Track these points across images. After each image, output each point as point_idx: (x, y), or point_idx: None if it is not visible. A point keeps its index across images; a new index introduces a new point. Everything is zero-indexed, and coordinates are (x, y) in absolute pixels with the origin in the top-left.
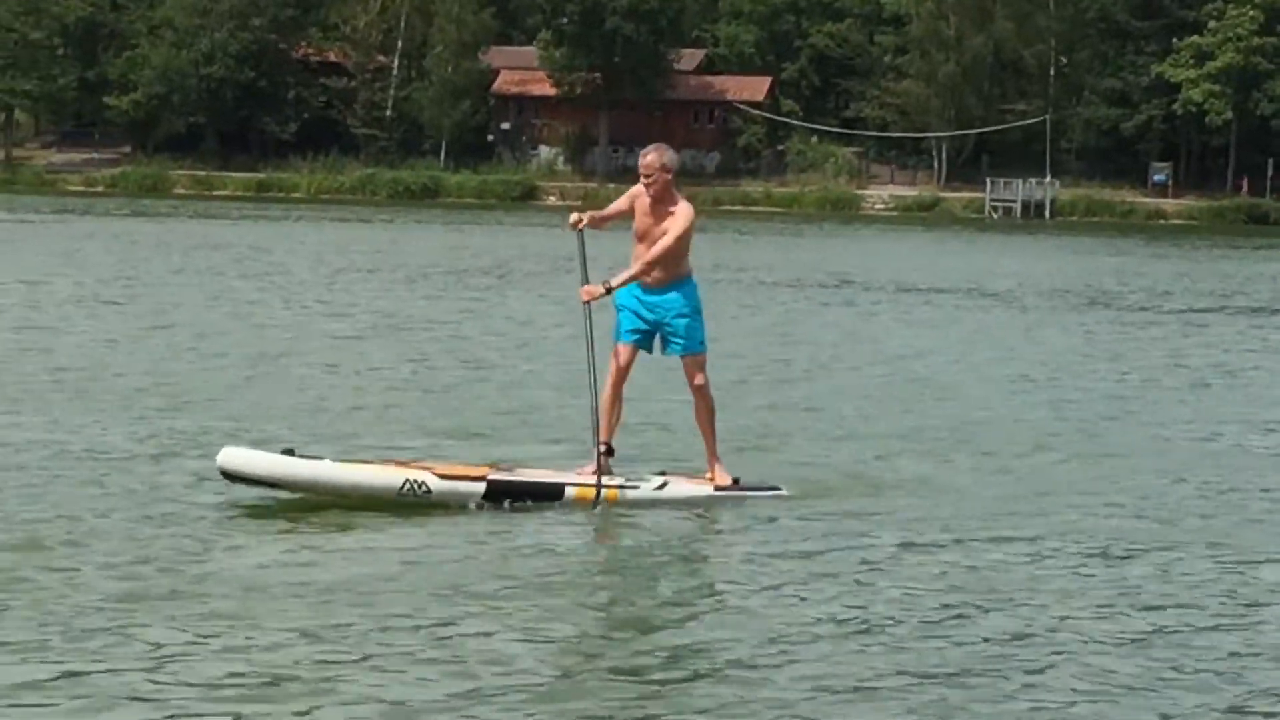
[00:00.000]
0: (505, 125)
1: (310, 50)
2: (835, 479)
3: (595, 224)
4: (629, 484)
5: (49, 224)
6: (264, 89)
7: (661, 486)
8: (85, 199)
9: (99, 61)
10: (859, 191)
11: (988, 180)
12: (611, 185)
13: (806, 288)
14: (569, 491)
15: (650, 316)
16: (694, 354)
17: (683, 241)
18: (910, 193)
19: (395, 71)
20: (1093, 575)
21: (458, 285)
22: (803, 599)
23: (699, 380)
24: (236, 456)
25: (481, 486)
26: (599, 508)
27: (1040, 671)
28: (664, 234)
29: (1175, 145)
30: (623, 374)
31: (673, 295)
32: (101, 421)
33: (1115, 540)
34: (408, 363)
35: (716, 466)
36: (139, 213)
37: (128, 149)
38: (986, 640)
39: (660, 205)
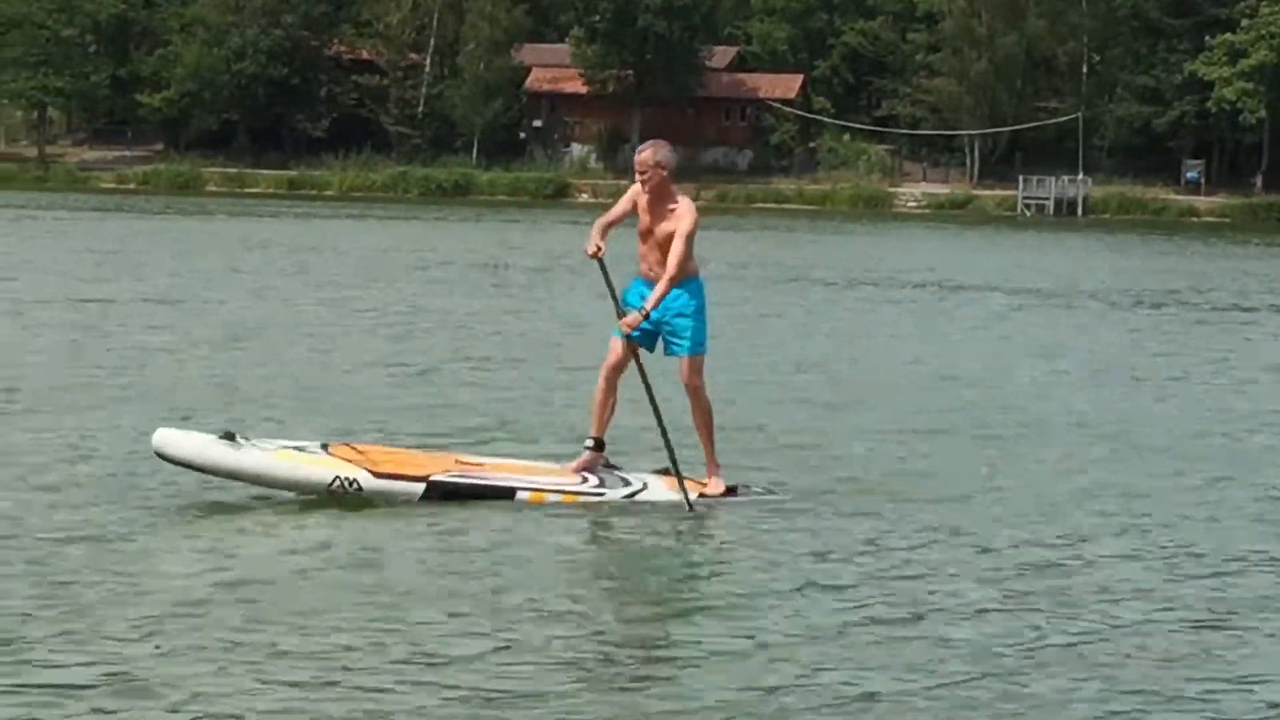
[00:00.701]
0: (537, 123)
1: (342, 47)
2: (881, 477)
3: (603, 233)
4: (593, 491)
5: (94, 220)
6: (296, 86)
7: (634, 494)
8: (118, 196)
9: (131, 59)
10: (891, 189)
11: (1020, 178)
12: None
13: (854, 286)
14: (520, 495)
15: (653, 314)
16: (692, 355)
17: (692, 241)
18: (943, 190)
19: (427, 69)
20: (1145, 576)
21: (505, 281)
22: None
23: (694, 382)
24: (169, 438)
25: (420, 487)
26: (691, 508)
27: (1100, 669)
28: (667, 233)
29: (1208, 143)
30: (616, 369)
31: (675, 293)
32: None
33: (1169, 541)
34: (459, 360)
35: (714, 475)
36: (185, 211)
37: (160, 146)
38: (1041, 642)
39: (659, 203)
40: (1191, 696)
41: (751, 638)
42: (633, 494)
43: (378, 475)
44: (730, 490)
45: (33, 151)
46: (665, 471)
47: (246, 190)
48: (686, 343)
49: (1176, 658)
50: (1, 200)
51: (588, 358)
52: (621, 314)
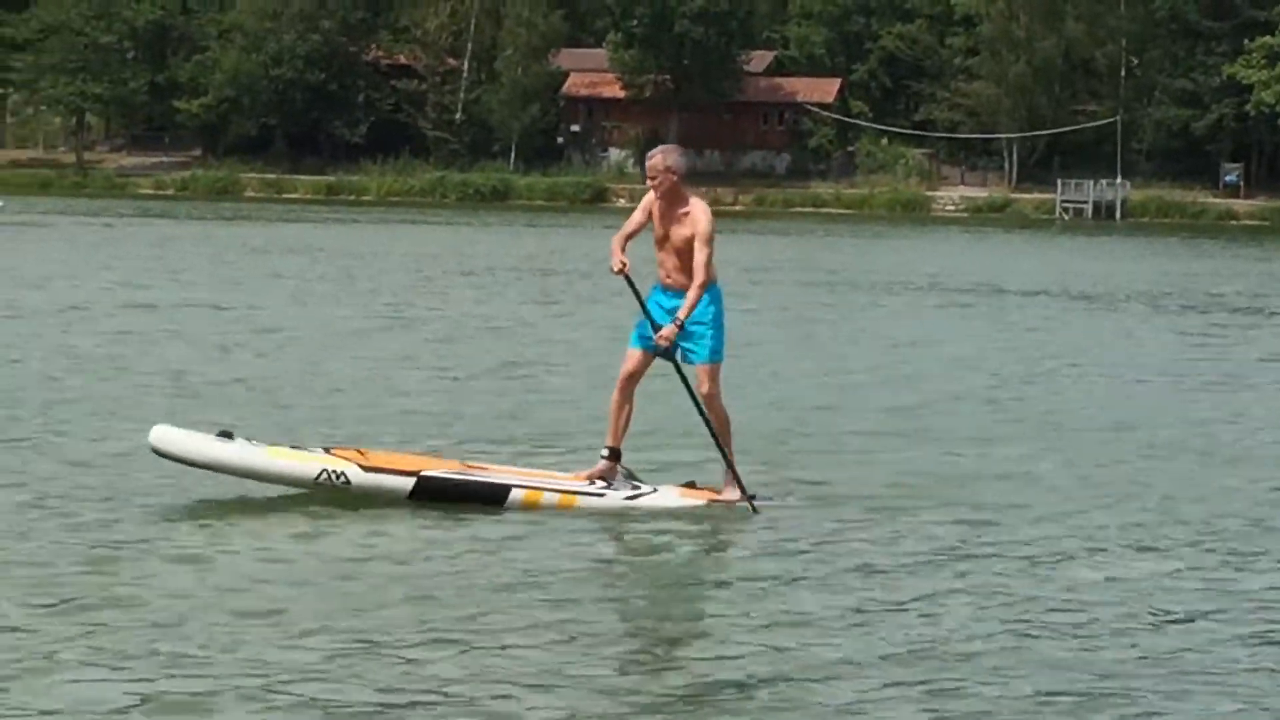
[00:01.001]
0: (575, 127)
1: (380, 53)
2: (926, 483)
3: (623, 247)
4: (593, 493)
5: (134, 226)
6: (334, 92)
7: (635, 498)
8: (158, 202)
9: (169, 65)
10: (929, 193)
11: (1059, 181)
12: None
13: (898, 290)
14: (514, 495)
15: (665, 321)
16: (708, 363)
17: (713, 244)
18: (981, 194)
19: (465, 74)
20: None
21: (548, 287)
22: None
23: (710, 390)
24: (165, 435)
25: (409, 483)
26: (751, 510)
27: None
28: (682, 238)
29: (1247, 146)
30: (632, 379)
31: (700, 304)
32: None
33: (1247, 548)
34: (504, 367)
35: (730, 483)
36: (224, 216)
37: (198, 152)
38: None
39: (672, 207)
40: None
41: (779, 652)
42: (634, 498)
43: (366, 469)
44: (746, 498)
45: (71, 158)
46: (690, 485)
47: (284, 196)
48: (703, 351)
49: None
50: (41, 206)
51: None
52: (656, 328)
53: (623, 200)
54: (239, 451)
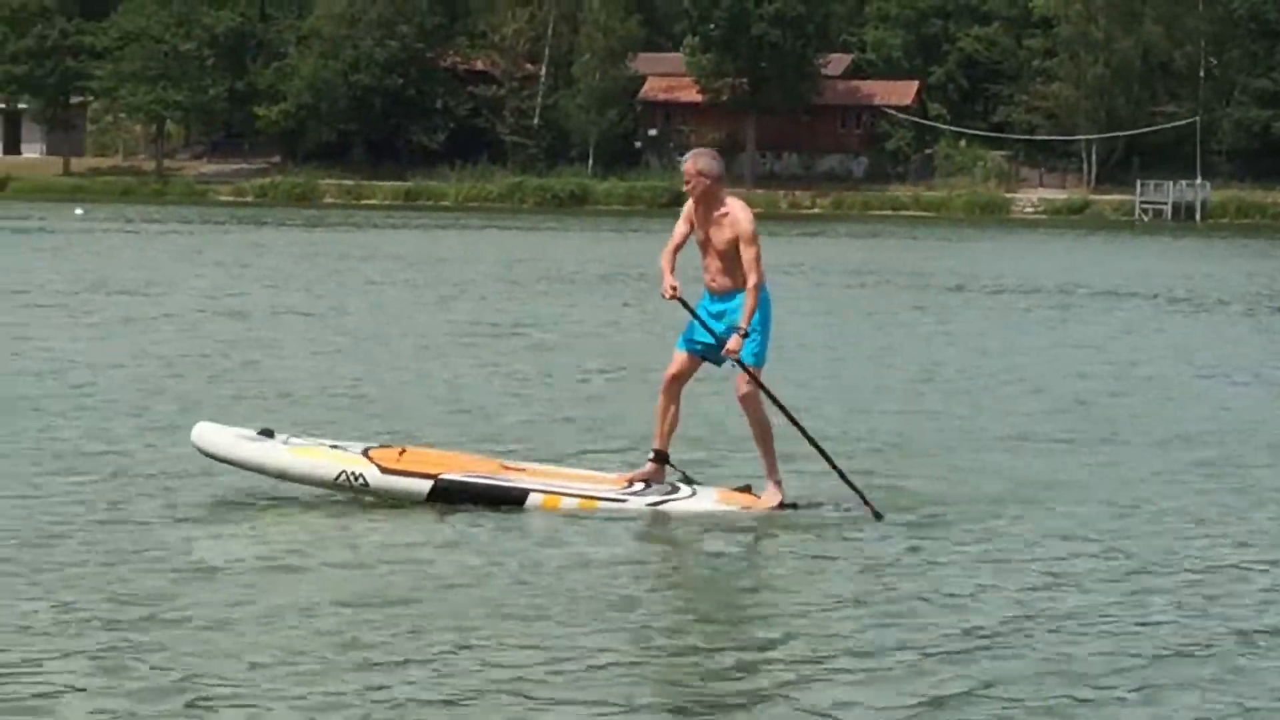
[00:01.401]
0: (652, 131)
1: (458, 59)
2: (1010, 486)
3: (672, 266)
4: (615, 497)
5: (218, 233)
6: (412, 98)
7: (661, 501)
8: (240, 208)
9: (248, 72)
10: (1008, 195)
11: (1138, 182)
12: (759, 191)
13: (986, 293)
14: (533, 499)
15: (716, 326)
16: (753, 366)
17: (758, 242)
18: (1059, 196)
19: (543, 79)
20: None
21: (634, 292)
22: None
23: (744, 391)
24: (203, 433)
25: (426, 485)
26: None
27: None
28: (725, 240)
29: None
30: (676, 380)
31: (737, 304)
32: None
33: None
34: (589, 373)
35: (769, 486)
36: (309, 222)
37: (277, 159)
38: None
39: (710, 211)
40: None
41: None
42: (659, 503)
43: (384, 471)
44: (785, 505)
45: (151, 165)
46: (745, 489)
47: (363, 202)
48: (745, 354)
49: None
50: (122, 213)
51: (710, 371)
52: (721, 342)
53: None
54: (263, 450)
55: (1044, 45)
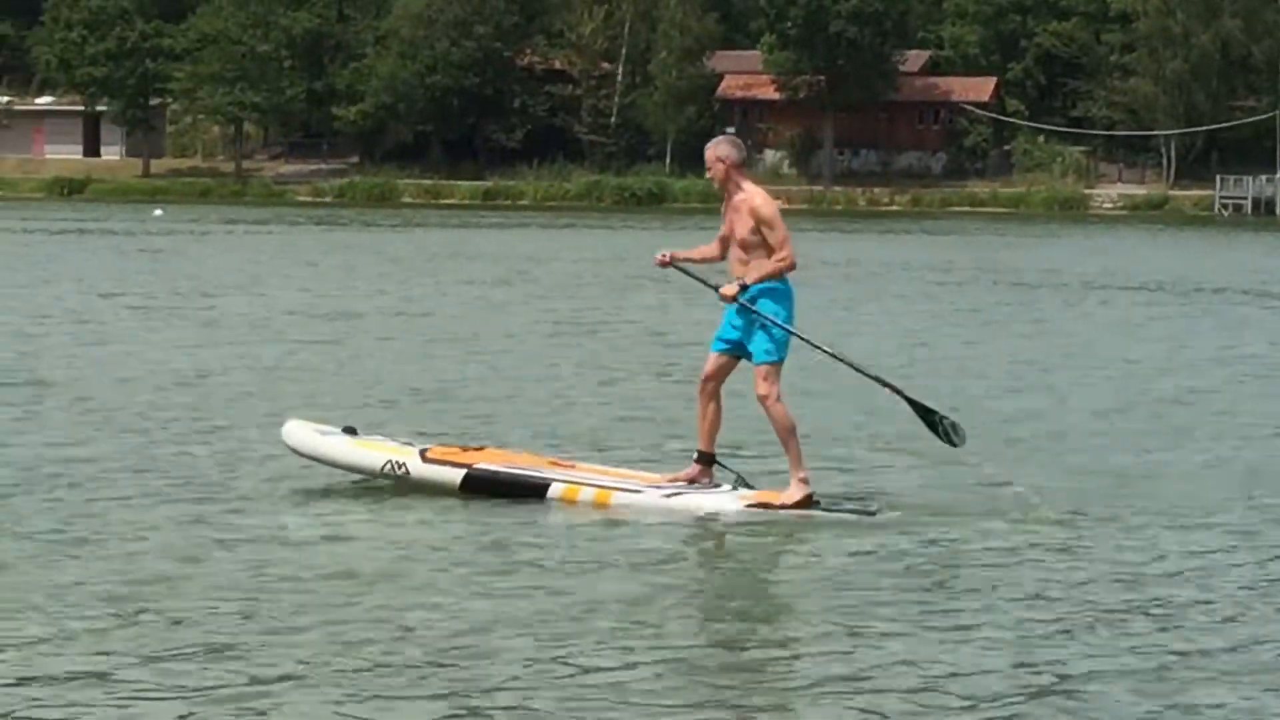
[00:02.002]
0: (730, 129)
1: (535, 58)
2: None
3: (708, 249)
4: (631, 488)
5: (303, 233)
6: (489, 97)
7: (676, 494)
8: (315, 209)
9: (326, 73)
10: (1087, 191)
11: (1217, 177)
12: (837, 188)
13: (1084, 290)
14: (554, 490)
15: (739, 322)
16: (763, 364)
17: (782, 225)
18: (1139, 191)
19: (620, 78)
20: None
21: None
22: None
23: (761, 391)
24: (290, 429)
25: (459, 475)
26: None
27: None
28: (746, 228)
29: None
30: (710, 381)
31: (763, 301)
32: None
33: None
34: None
35: (793, 483)
36: (403, 222)
37: (355, 159)
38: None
39: (732, 199)
40: None
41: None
42: (673, 495)
43: (425, 460)
44: (807, 502)
45: (230, 166)
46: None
47: (441, 201)
48: (759, 351)
49: None
50: (202, 214)
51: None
52: (736, 327)
53: (779, 201)
54: (328, 444)
55: (1122, 40)
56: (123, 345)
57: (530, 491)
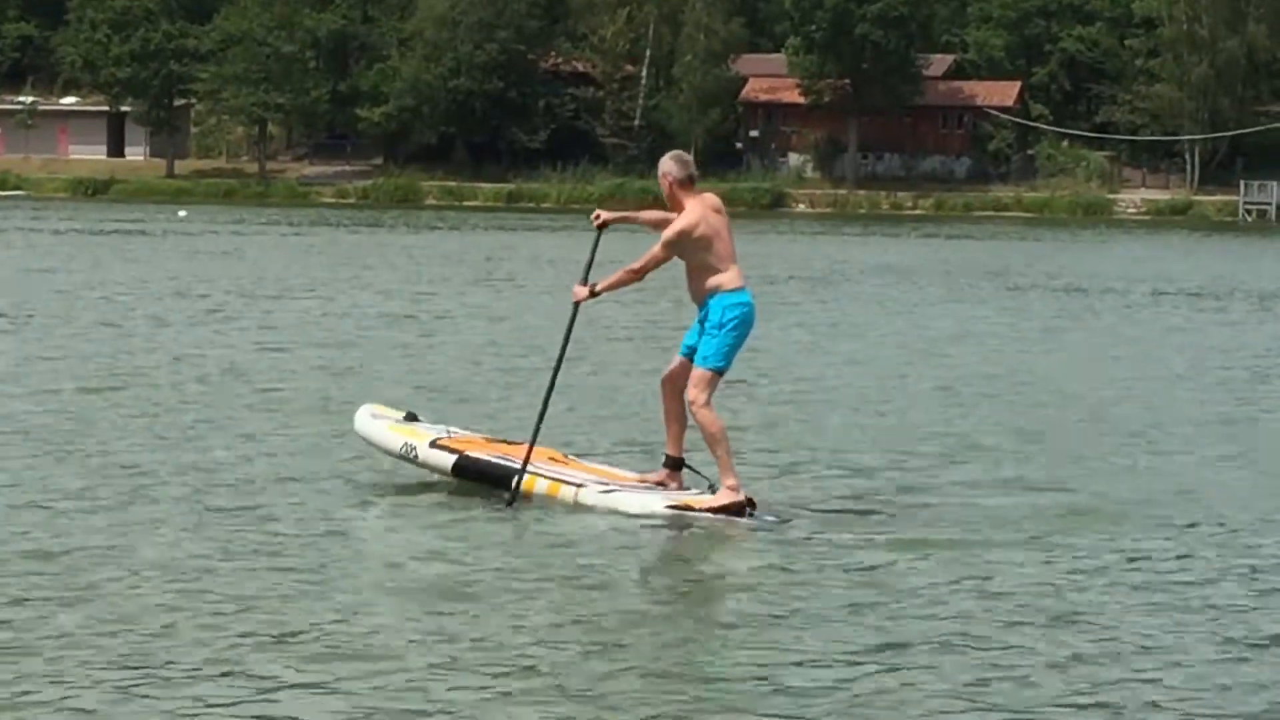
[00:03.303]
0: (754, 133)
1: (558, 60)
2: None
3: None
4: (575, 481)
5: (342, 234)
6: (513, 99)
7: (609, 491)
8: (340, 210)
9: (350, 74)
10: (1110, 196)
11: (1241, 183)
12: (861, 192)
13: (1126, 294)
14: (517, 479)
15: (696, 327)
16: (699, 369)
17: (667, 249)
18: (1162, 196)
19: (644, 80)
20: None
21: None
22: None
23: (690, 395)
24: (359, 414)
25: (450, 460)
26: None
27: None
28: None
29: None
30: (668, 382)
31: (706, 311)
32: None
33: None
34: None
35: (722, 489)
36: (437, 224)
37: (378, 160)
38: None
39: (677, 213)
40: None
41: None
42: (610, 490)
43: (431, 446)
44: (733, 508)
45: (254, 167)
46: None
47: (464, 204)
48: (698, 355)
49: None
50: (226, 215)
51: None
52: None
53: (802, 205)
54: (371, 427)
55: (1147, 45)
56: (261, 343)
57: (500, 481)
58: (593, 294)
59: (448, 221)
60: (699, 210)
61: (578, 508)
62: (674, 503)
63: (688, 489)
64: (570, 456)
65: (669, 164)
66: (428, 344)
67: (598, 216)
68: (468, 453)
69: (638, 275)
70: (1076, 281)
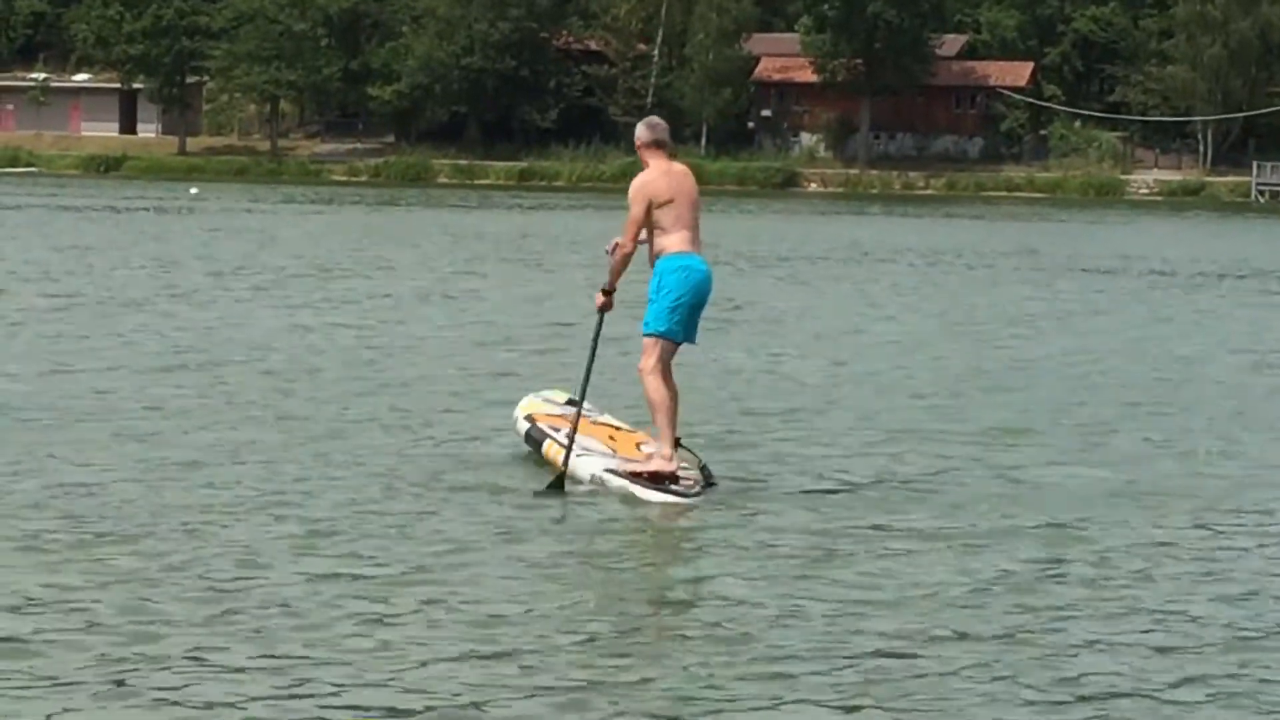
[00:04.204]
0: (766, 112)
1: (570, 39)
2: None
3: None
4: (566, 445)
5: (362, 213)
6: (525, 78)
7: (581, 455)
8: (351, 188)
9: (362, 52)
10: (1123, 176)
11: (1254, 164)
12: (873, 172)
13: (1156, 276)
14: (545, 445)
15: None
16: (643, 335)
17: (632, 204)
18: (1175, 177)
19: (656, 59)
20: None
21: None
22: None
23: (640, 362)
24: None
25: (526, 427)
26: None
27: None
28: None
29: None
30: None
31: (654, 274)
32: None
33: None
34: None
35: (655, 457)
36: (462, 203)
37: (390, 139)
38: None
39: None
40: None
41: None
42: (581, 454)
43: (525, 419)
44: (658, 478)
45: (265, 145)
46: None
47: (476, 182)
48: (642, 322)
49: None
50: (238, 193)
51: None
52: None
53: (814, 185)
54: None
55: (1160, 25)
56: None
57: (537, 447)
58: (608, 293)
59: (492, 200)
60: (655, 171)
61: (554, 471)
62: (612, 468)
63: (685, 466)
64: (628, 428)
65: (640, 129)
66: None
67: (600, 301)
68: (537, 423)
69: (629, 245)
70: (1152, 264)
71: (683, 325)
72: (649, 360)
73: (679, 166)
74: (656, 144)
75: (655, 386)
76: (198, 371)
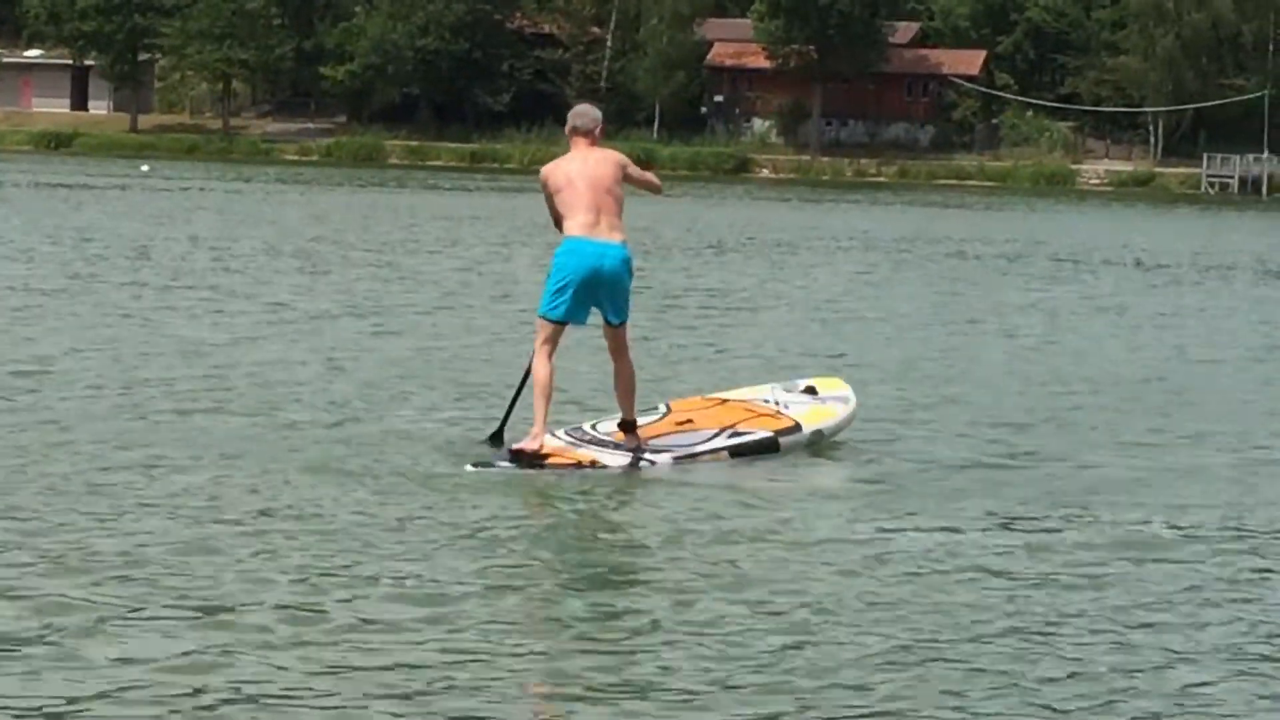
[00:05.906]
0: (719, 98)
1: (524, 21)
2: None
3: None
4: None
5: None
6: (478, 60)
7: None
8: (302, 168)
9: (315, 32)
10: (1074, 166)
11: (1204, 156)
12: (825, 158)
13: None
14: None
15: None
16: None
17: (544, 191)
18: (1125, 168)
19: (609, 43)
20: None
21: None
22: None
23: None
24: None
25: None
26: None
27: None
28: None
29: None
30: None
31: None
32: None
33: None
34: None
35: (534, 433)
36: (425, 184)
37: (342, 119)
38: None
39: None
40: None
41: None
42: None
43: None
44: (523, 455)
45: (217, 123)
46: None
47: (427, 163)
48: None
49: None
50: (189, 170)
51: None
52: None
53: (765, 171)
54: None
55: (1113, 16)
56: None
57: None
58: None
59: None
60: (564, 158)
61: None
62: (511, 445)
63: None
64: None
65: (569, 115)
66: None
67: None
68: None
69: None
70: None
71: (568, 306)
72: (536, 339)
73: (598, 152)
74: (574, 130)
75: (538, 367)
76: None
